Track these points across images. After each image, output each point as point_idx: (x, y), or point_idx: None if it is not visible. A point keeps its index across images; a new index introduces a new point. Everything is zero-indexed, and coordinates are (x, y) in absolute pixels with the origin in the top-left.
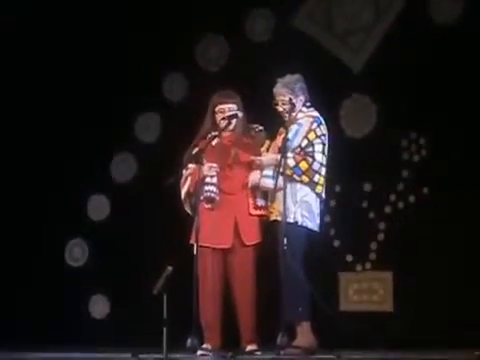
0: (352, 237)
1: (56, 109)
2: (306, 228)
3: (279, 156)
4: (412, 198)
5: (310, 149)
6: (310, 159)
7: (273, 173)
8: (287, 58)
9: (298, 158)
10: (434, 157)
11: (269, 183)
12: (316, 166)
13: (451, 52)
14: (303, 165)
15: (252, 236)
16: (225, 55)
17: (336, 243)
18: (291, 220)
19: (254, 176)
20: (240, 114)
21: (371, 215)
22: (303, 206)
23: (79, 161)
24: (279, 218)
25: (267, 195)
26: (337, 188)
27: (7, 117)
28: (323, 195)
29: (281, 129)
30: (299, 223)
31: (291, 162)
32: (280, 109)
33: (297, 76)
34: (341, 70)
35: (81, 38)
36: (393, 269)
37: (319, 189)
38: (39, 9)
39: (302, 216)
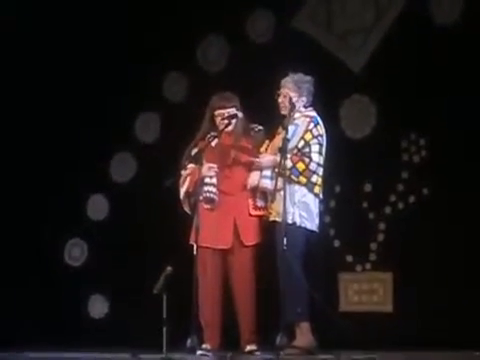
0: (352, 238)
1: (56, 109)
2: (305, 229)
3: (277, 157)
4: (412, 199)
5: (307, 150)
6: (307, 160)
7: (271, 174)
8: (288, 58)
9: (295, 159)
10: (434, 158)
11: (268, 184)
12: (313, 167)
13: (451, 53)
14: (300, 166)
15: (251, 237)
16: (226, 55)
17: (336, 243)
18: (289, 221)
19: (254, 177)
20: (240, 114)
21: (371, 216)
22: (301, 207)
23: (78, 161)
24: (278, 219)
25: (266, 196)
26: (337, 189)
27: (7, 117)
28: (321, 195)
29: (280, 129)
30: (297, 224)
31: (288, 163)
32: (280, 100)
33: (308, 78)
34: (341, 70)
35: (81, 37)
36: (393, 270)
37: (317, 189)
38: (39, 9)
39: (300, 217)
